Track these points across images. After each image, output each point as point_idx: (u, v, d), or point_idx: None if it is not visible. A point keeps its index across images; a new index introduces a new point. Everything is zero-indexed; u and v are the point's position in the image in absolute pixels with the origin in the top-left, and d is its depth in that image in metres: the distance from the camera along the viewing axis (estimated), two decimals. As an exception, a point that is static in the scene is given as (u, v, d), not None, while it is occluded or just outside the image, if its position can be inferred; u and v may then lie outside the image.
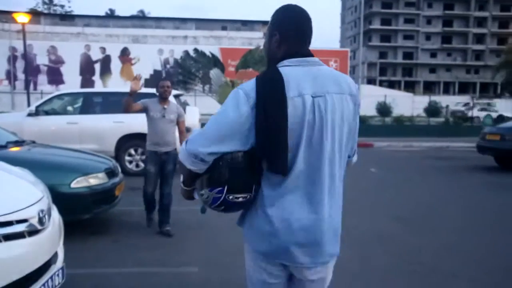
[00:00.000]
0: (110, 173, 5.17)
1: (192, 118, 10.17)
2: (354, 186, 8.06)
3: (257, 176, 1.65)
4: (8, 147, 4.92)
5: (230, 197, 1.62)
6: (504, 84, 48.23)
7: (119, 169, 5.67)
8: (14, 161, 4.53)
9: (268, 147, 1.56)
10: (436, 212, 6.25)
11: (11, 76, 34.74)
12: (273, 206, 1.63)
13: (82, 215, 4.75)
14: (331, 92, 1.65)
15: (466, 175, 9.57)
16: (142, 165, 8.77)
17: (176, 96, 9.22)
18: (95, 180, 4.84)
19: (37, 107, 8.83)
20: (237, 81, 21.53)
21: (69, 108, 9.72)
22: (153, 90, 9.47)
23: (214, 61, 21.91)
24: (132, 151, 8.83)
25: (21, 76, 33.07)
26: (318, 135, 1.62)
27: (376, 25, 68.16)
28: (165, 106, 4.92)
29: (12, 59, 34.57)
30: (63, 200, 4.52)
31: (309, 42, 1.75)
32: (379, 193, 7.57)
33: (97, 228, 5.18)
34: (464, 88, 65.20)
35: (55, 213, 2.99)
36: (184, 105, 10.43)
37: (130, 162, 8.85)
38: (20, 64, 33.62)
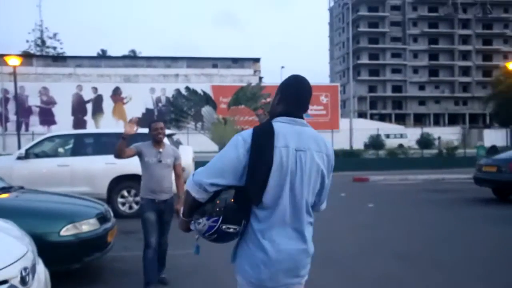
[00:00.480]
0: (102, 218, 4.97)
1: (186, 157, 10.00)
2: (352, 222, 7.92)
3: (246, 214, 1.97)
4: (-5, 194, 4.73)
5: (223, 226, 1.92)
6: (493, 115, 48.98)
7: (111, 214, 5.47)
8: None
9: (251, 181, 1.92)
10: (437, 248, 6.06)
11: (2, 118, 34.60)
12: (265, 238, 1.95)
13: (72, 264, 4.51)
14: (311, 149, 2.02)
15: (464, 208, 9.44)
16: (135, 207, 8.56)
17: (169, 136, 9.11)
18: (86, 226, 4.63)
19: (27, 150, 8.65)
20: (229, 118, 21.58)
21: (60, 150, 9.56)
22: (146, 131, 9.52)
23: (206, 99, 22.00)
24: (125, 193, 8.62)
25: (12, 117, 32.92)
26: (299, 181, 1.98)
27: (365, 59, 69.61)
28: (160, 150, 4.53)
29: (4, 101, 34.55)
30: (52, 249, 4.33)
31: (306, 106, 2.12)
32: (378, 229, 7.39)
33: (88, 278, 4.92)
34: (454, 119, 66.08)
35: (41, 268, 2.78)
36: (177, 144, 10.32)
37: (123, 204, 8.62)
38: (11, 106, 33.53)
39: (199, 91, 22.45)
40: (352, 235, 6.98)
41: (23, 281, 2.31)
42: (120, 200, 8.59)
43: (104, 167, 8.54)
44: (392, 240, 6.56)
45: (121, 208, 8.57)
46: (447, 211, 9.06)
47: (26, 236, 2.89)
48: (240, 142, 1.96)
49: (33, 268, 2.51)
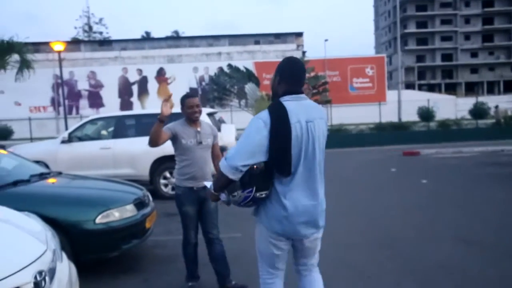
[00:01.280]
0: (140, 204, 4.77)
1: (228, 136, 9.73)
2: (406, 201, 7.35)
3: (272, 179, 2.37)
4: (32, 181, 4.61)
5: (257, 194, 2.34)
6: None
7: (150, 198, 5.28)
8: (33, 197, 4.23)
9: (277, 159, 2.29)
10: (509, 232, 5.44)
11: (55, 102, 35.90)
12: (286, 197, 2.35)
13: (110, 253, 4.34)
14: (316, 118, 2.40)
15: None
16: (178, 188, 8.39)
17: (211, 114, 8.83)
18: (123, 213, 4.43)
19: (70, 133, 8.66)
20: (272, 94, 21.10)
21: (103, 132, 9.54)
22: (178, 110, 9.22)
23: (248, 76, 21.60)
24: (168, 174, 8.47)
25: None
26: (312, 148, 2.37)
27: (412, 28, 66.17)
28: (198, 129, 3.84)
29: (56, 86, 35.72)
30: (88, 237, 4.18)
31: (302, 82, 2.45)
32: (437, 209, 6.80)
33: (127, 266, 4.75)
34: (510, 87, 61.88)
35: (64, 265, 2.53)
36: (219, 122, 10.04)
37: (166, 185, 8.49)
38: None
39: (242, 68, 22.07)
40: (407, 215, 6.44)
41: (37, 287, 2.04)
42: (162, 181, 8.46)
43: (146, 148, 8.13)
44: (453, 222, 5.97)
45: (164, 189, 8.45)
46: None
47: (48, 231, 2.65)
48: (261, 125, 2.28)
49: (52, 270, 2.22)
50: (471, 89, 61.87)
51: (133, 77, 37.16)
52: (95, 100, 36.18)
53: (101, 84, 36.56)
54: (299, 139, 2.30)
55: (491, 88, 63.24)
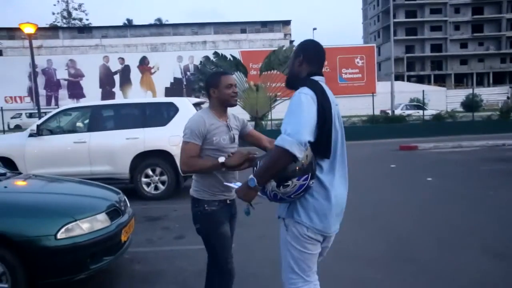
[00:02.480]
0: (114, 211, 3.92)
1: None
2: (416, 202, 6.60)
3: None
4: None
5: (311, 182, 2.09)
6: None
7: (127, 203, 4.43)
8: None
9: (322, 139, 2.09)
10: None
11: (32, 92, 34.47)
12: (332, 187, 2.17)
13: (76, 275, 3.48)
14: (337, 103, 2.29)
15: None
16: (161, 187, 7.57)
17: (197, 105, 7.97)
18: (93, 225, 3.58)
19: (39, 125, 7.69)
20: (261, 84, 20.29)
21: (78, 124, 8.61)
22: (169, 100, 8.31)
23: (236, 65, 20.73)
24: (150, 172, 7.59)
25: (42, 92, 32.68)
26: (341, 132, 2.26)
27: (401, 18, 65.56)
28: (227, 122, 2.81)
29: (33, 75, 34.31)
30: (47, 257, 3.31)
31: (323, 66, 2.35)
32: (452, 212, 6.07)
33: (98, 289, 3.92)
34: (499, 78, 61.91)
35: None
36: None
37: (148, 184, 7.62)
38: (41, 80, 33.22)
39: (229, 57, 21.16)
40: (421, 219, 5.69)
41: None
42: (144, 180, 7.58)
43: (125, 143, 7.53)
44: (475, 228, 5.23)
45: (146, 189, 7.59)
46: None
47: None
48: (311, 101, 2.07)
49: None
50: (460, 80, 61.78)
51: (115, 66, 35.90)
52: (75, 90, 34.82)
53: (81, 73, 35.19)
54: (335, 121, 2.18)
55: (481, 80, 63.20)
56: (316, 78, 2.23)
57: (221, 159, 2.59)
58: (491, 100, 32.65)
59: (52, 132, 7.81)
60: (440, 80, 60.05)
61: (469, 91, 31.93)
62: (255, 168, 2.20)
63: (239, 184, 2.39)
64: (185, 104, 7.66)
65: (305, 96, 2.07)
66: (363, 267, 4.07)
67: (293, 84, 2.29)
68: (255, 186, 2.10)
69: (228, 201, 2.79)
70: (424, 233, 5.08)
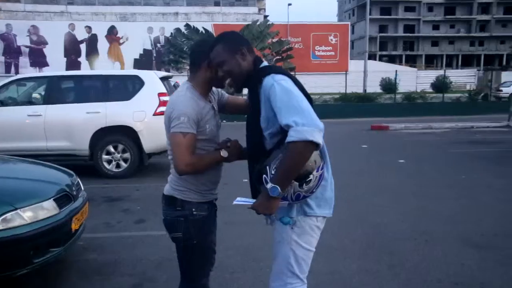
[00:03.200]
0: (65, 197, 3.50)
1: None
2: (388, 186, 6.40)
3: None
4: None
5: (324, 170, 1.95)
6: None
7: (81, 186, 4.01)
8: None
9: None
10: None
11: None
12: (328, 170, 2.04)
13: (17, 270, 3.08)
14: None
15: None
16: (124, 164, 7.13)
17: (165, 79, 7.49)
18: (37, 213, 3.16)
19: (-12, 96, 7.05)
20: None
21: (34, 95, 7.96)
22: (134, 72, 7.77)
23: (208, 38, 20.04)
24: (111, 148, 7.12)
25: (0, 58, 31.01)
26: None
27: (376, -3, 65.42)
28: (211, 102, 2.25)
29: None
30: (-18, 251, 2.91)
31: None
32: (425, 197, 5.90)
33: (43, 285, 3.51)
34: (467, 61, 63.00)
35: None
36: (175, 88, 8.71)
37: (109, 162, 7.15)
38: (-1, 45, 31.49)
39: (201, 30, 20.45)
40: (395, 205, 5.49)
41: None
42: (105, 157, 7.11)
43: (85, 117, 7.01)
44: (450, 216, 5.06)
45: (107, 166, 7.13)
46: (505, 171, 7.52)
47: None
48: (292, 83, 1.92)
49: None
50: (430, 61, 62.54)
51: (82, 35, 34.35)
52: (38, 58, 33.13)
53: (44, 40, 33.47)
54: None
55: (450, 62, 64.14)
56: (266, 63, 2.10)
57: (224, 154, 2.12)
58: (459, 82, 33.10)
59: (3, 103, 7.19)
60: (411, 61, 60.62)
61: (439, 72, 32.27)
62: (265, 176, 1.87)
63: (249, 199, 1.99)
64: (151, 78, 7.17)
65: (285, 82, 1.89)
66: (339, 259, 3.82)
67: (244, 83, 2.06)
68: (279, 194, 1.83)
69: (214, 202, 2.29)
70: (399, 221, 4.87)
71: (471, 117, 16.68)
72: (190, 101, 2.07)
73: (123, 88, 7.31)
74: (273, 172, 1.85)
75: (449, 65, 61.72)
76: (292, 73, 22.25)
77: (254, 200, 1.95)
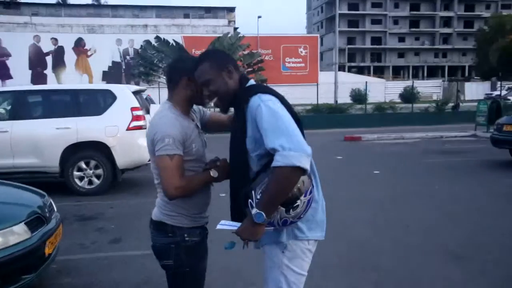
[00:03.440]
0: (36, 220, 3.30)
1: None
2: (365, 198, 6.41)
3: None
4: None
5: (315, 193, 1.90)
6: (475, 67, 48.36)
7: (54, 207, 3.81)
8: None
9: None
10: (498, 241, 4.66)
11: None
12: (317, 188, 1.96)
13: (-16, 301, 2.87)
14: None
15: (492, 177, 7.90)
16: (96, 181, 6.89)
17: (137, 92, 7.32)
18: (7, 238, 2.97)
19: None
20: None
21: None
22: (106, 87, 7.53)
23: (178, 50, 19.94)
24: (83, 164, 6.87)
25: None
26: None
27: (344, 10, 66.75)
28: (194, 120, 2.16)
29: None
30: None
31: None
32: (403, 209, 5.94)
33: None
34: (432, 72, 65.12)
35: None
36: (148, 102, 8.53)
37: (81, 178, 6.89)
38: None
39: (172, 42, 20.29)
40: (373, 218, 5.48)
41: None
42: (76, 173, 6.85)
43: (55, 133, 6.76)
44: (428, 227, 5.09)
45: (78, 183, 6.88)
46: (474, 181, 7.65)
47: None
48: (279, 103, 1.85)
49: None
50: (397, 72, 64.28)
51: (47, 47, 33.51)
52: (1, 71, 32.08)
53: (7, 52, 32.46)
54: None
55: (416, 73, 66.15)
56: (253, 81, 2.01)
57: (214, 174, 2.02)
58: (426, 92, 34.05)
59: (-35, 120, 6.84)
60: (379, 72, 62.16)
61: (406, 83, 33.05)
62: (251, 200, 1.78)
63: (234, 223, 1.89)
64: (123, 92, 7.00)
65: (273, 103, 1.81)
66: (322, 277, 3.74)
67: (231, 103, 1.97)
68: (264, 220, 1.73)
69: (205, 226, 2.17)
70: (380, 235, 4.85)
71: (439, 126, 17.11)
72: (173, 121, 1.96)
73: (94, 102, 7.10)
74: (258, 196, 1.76)
75: (415, 76, 63.62)
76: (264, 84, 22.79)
77: (238, 224, 1.85)
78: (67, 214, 5.53)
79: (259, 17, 40.01)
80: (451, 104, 21.06)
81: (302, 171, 1.70)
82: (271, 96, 1.85)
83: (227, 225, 1.88)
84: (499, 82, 32.49)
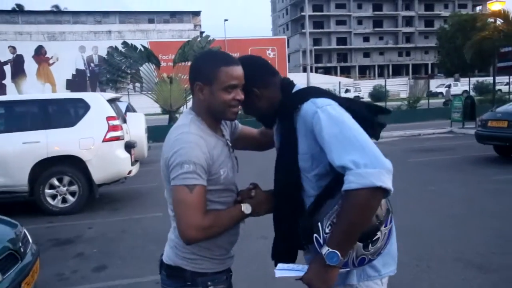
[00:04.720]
0: (8, 258, 2.79)
1: (136, 128, 7.78)
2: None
3: None
4: None
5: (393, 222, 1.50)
6: (439, 64, 49.63)
7: (29, 239, 3.27)
8: None
9: None
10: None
11: None
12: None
13: None
14: None
15: (483, 174, 7.79)
16: (71, 198, 6.31)
17: (113, 101, 6.77)
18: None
19: None
20: (175, 76, 19.04)
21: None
22: (78, 95, 6.95)
23: (147, 56, 19.25)
24: (55, 181, 6.27)
25: None
26: None
27: (309, 11, 67.32)
28: (224, 134, 1.70)
29: None
30: None
31: None
32: (404, 214, 5.64)
33: None
34: (397, 71, 66.57)
35: None
36: (130, 110, 8.01)
37: (53, 196, 6.29)
38: None
39: (140, 47, 19.59)
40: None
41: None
42: (48, 191, 6.24)
43: (22, 148, 6.14)
44: (440, 235, 4.81)
45: (51, 202, 6.28)
46: (466, 180, 7.49)
47: None
48: (341, 109, 1.48)
49: None
50: (363, 72, 65.32)
51: (5, 55, 32.02)
52: (-44, 82, 30.46)
53: (-39, 63, 30.84)
54: None
55: (381, 72, 67.45)
56: (297, 85, 1.65)
57: (247, 209, 1.56)
58: (393, 91, 34.55)
59: None
60: (346, 72, 63.03)
61: (374, 82, 33.47)
62: (317, 235, 1.39)
63: (295, 266, 1.49)
64: (97, 101, 6.45)
65: (332, 108, 1.46)
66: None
67: (274, 117, 1.64)
68: (339, 261, 1.35)
69: (230, 270, 1.72)
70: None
71: (413, 124, 17.19)
72: (196, 139, 1.48)
73: (65, 113, 6.53)
74: (327, 230, 1.37)
75: (380, 75, 64.87)
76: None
77: (303, 268, 1.45)
78: (39, 239, 4.91)
79: (226, 20, 39.70)
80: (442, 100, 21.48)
81: (384, 192, 1.34)
82: (329, 100, 1.49)
83: (288, 270, 1.46)
84: (461, 78, 33.35)
